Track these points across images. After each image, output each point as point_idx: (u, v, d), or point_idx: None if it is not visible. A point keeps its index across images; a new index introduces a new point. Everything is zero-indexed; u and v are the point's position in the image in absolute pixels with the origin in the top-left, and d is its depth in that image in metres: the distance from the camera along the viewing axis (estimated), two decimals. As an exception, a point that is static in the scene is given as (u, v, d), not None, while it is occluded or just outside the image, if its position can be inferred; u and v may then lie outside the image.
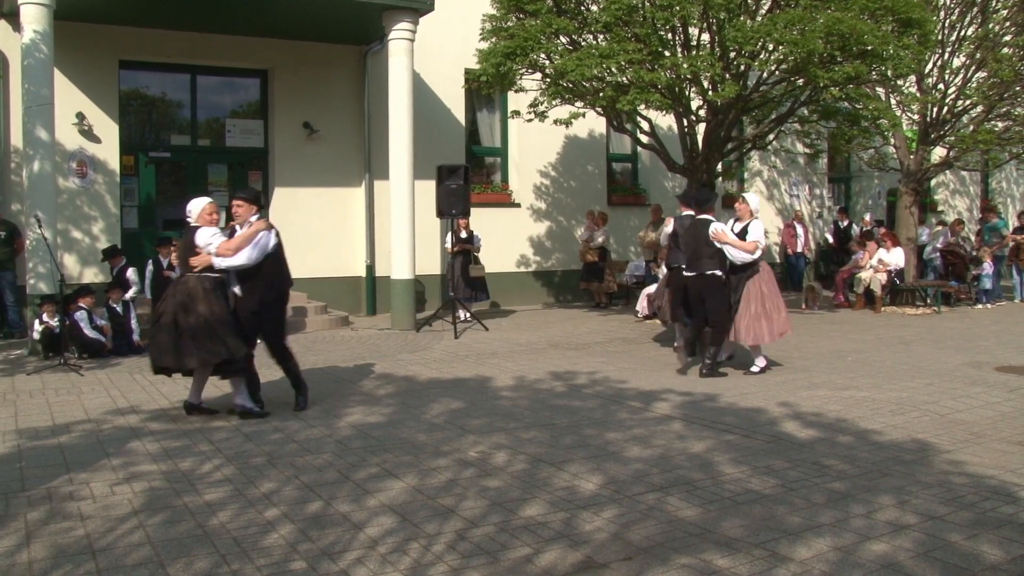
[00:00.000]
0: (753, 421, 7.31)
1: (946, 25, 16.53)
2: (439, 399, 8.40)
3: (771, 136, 14.97)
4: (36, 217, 10.98)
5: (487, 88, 14.31)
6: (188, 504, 5.28)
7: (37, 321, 11.17)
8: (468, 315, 14.19)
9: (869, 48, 11.94)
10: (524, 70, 13.39)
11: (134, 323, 11.83)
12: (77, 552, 4.54)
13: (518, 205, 17.39)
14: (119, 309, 11.73)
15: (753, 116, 15.09)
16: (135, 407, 8.18)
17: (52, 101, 11.62)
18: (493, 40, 13.36)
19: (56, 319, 10.99)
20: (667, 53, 12.59)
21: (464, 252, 14.72)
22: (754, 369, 9.79)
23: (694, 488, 5.49)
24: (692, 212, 10.32)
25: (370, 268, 15.91)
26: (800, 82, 13.13)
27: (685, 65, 12.20)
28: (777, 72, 13.11)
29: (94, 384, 9.44)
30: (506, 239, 16.97)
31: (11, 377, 9.84)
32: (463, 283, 14.66)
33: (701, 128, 14.23)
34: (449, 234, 14.45)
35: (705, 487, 5.51)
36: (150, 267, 12.22)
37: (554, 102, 13.56)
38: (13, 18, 12.64)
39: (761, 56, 12.53)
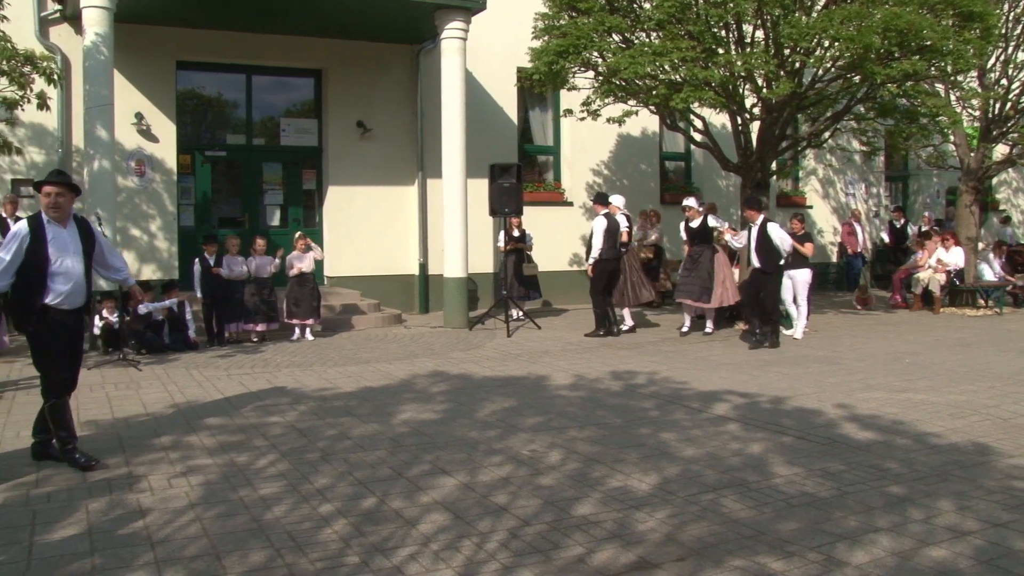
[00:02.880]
0: (809, 423, 7.22)
1: (1010, 18, 16.16)
2: (492, 397, 8.42)
3: (826, 134, 14.77)
4: (96, 215, 11.19)
5: (539, 86, 14.31)
6: (244, 498, 5.36)
7: (97, 317, 11.41)
8: (520, 313, 14.19)
9: (928, 43, 11.72)
10: (576, 68, 13.36)
11: (189, 319, 12.03)
12: (137, 543, 4.63)
13: (570, 204, 17.37)
14: (174, 307, 11.93)
15: (808, 114, 14.89)
16: (192, 402, 8.31)
17: (112, 102, 11.86)
18: (545, 38, 13.35)
19: (116, 315, 11.22)
20: (721, 50, 12.49)
21: (517, 251, 14.72)
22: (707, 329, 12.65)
23: (748, 489, 5.44)
24: (764, 217, 11.83)
25: (423, 266, 15.99)
26: (856, 79, 12.93)
27: (739, 62, 12.10)
28: (833, 69, 12.92)
29: (152, 379, 9.62)
30: (558, 237, 16.95)
31: (73, 372, 10.05)
32: (516, 282, 14.65)
33: (755, 126, 14.08)
34: (502, 233, 14.46)
35: (760, 488, 5.46)
36: (197, 265, 12.39)
37: (606, 100, 13.52)
38: (75, 21, 12.92)
39: (816, 53, 12.37)
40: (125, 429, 7.26)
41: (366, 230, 15.65)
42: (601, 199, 13.32)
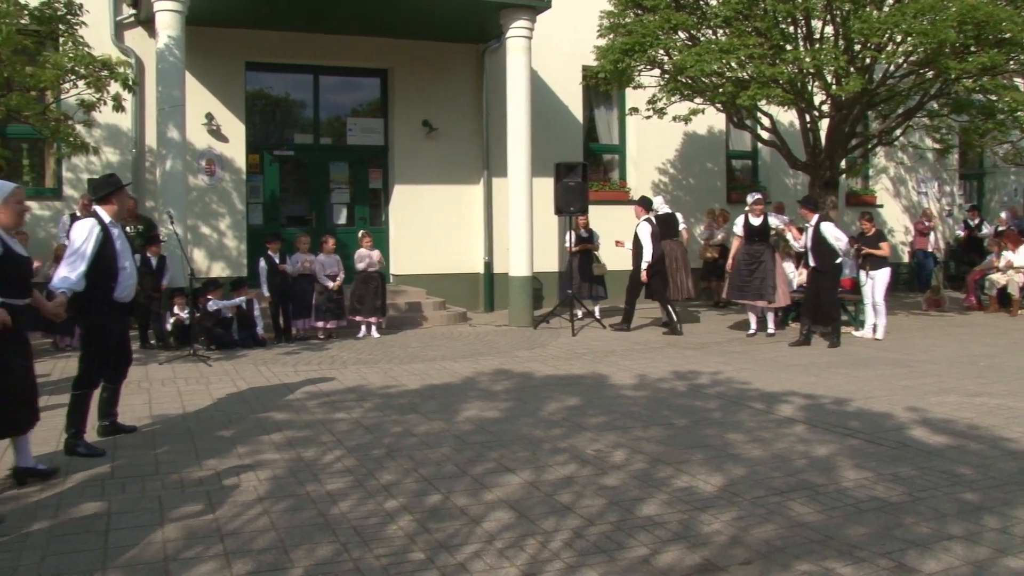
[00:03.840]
0: (879, 426, 7.09)
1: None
2: (556, 396, 8.42)
3: (898, 131, 14.48)
4: (168, 214, 11.45)
5: (605, 85, 14.30)
6: (311, 493, 5.43)
7: (168, 313, 11.66)
8: (585, 313, 14.16)
9: (1007, 36, 11.42)
10: (642, 66, 13.30)
11: (257, 316, 12.22)
12: (207, 535, 4.73)
13: (635, 202, 17.24)
14: (243, 304, 12.14)
15: (879, 110, 14.63)
16: (260, 398, 8.45)
17: (183, 103, 12.12)
18: (611, 36, 13.32)
19: (186, 311, 11.46)
20: (789, 47, 12.33)
21: (584, 251, 14.65)
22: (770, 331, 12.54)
23: (816, 493, 5.36)
24: (818, 216, 11.67)
25: (488, 265, 16.05)
26: (930, 74, 12.67)
27: (808, 59, 11.92)
28: (905, 64, 12.67)
29: (221, 375, 9.79)
30: (624, 236, 16.85)
31: (145, 366, 10.29)
32: (582, 281, 14.59)
33: (824, 124, 13.87)
34: (570, 232, 14.38)
35: (827, 492, 5.37)
36: (263, 263, 12.56)
37: (673, 98, 13.44)
38: (148, 25, 13.23)
39: (888, 48, 12.13)
40: (195, 423, 7.41)
41: (431, 229, 15.76)
42: (646, 203, 13.39)
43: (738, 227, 12.77)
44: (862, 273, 12.72)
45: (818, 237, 11.66)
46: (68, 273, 6.13)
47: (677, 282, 13.59)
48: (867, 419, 7.33)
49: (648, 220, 13.06)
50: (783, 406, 7.87)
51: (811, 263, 11.85)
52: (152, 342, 11.73)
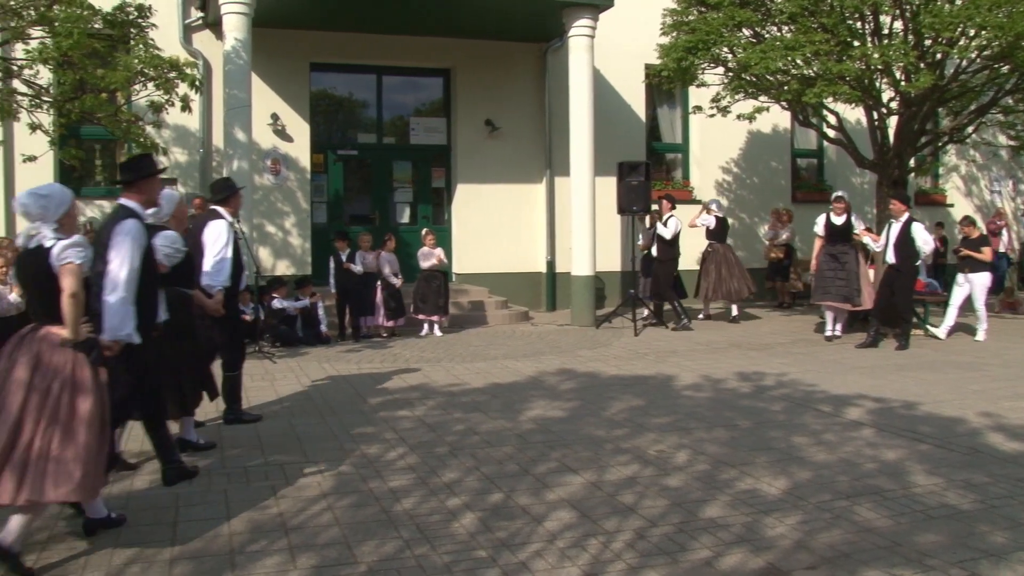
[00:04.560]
0: (950, 431, 6.93)
1: None
2: (619, 396, 8.38)
3: (970, 128, 14.12)
4: (236, 213, 11.62)
5: (668, 83, 14.19)
6: (374, 489, 5.48)
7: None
8: (649, 312, 14.07)
9: (1087, 29, 11.05)
10: (706, 64, 13.17)
11: (321, 314, 12.37)
12: (272, 528, 4.80)
13: (699, 202, 17.08)
14: (308, 304, 12.29)
15: (950, 107, 14.28)
16: (323, 395, 8.55)
17: (249, 103, 12.30)
18: (674, 34, 13.21)
19: (251, 308, 11.62)
20: (856, 43, 12.11)
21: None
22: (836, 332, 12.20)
23: (884, 498, 5.25)
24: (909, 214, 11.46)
25: (550, 264, 16.04)
26: (1005, 69, 12.33)
27: (876, 55, 11.68)
28: (979, 59, 12.34)
29: (285, 371, 9.93)
30: (687, 236, 16.71)
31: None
32: (647, 281, 14.45)
33: (892, 121, 13.57)
34: (641, 234, 14.26)
35: (896, 497, 5.26)
36: (332, 262, 12.75)
37: (737, 96, 13.28)
38: (216, 27, 13.46)
39: (961, 42, 11.83)
40: (261, 419, 7.53)
41: (494, 228, 15.80)
42: (671, 200, 13.87)
43: (819, 227, 12.30)
44: (959, 275, 12.44)
45: (905, 235, 11.28)
46: (218, 271, 6.71)
47: (732, 284, 14.02)
48: (937, 424, 7.17)
49: (674, 217, 13.50)
50: (850, 409, 7.74)
51: (891, 260, 11.39)
52: None
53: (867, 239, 12.03)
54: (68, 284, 4.30)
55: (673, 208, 13.76)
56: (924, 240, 11.31)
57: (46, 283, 4.36)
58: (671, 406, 7.93)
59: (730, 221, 17.42)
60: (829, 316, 12.21)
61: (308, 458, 6.24)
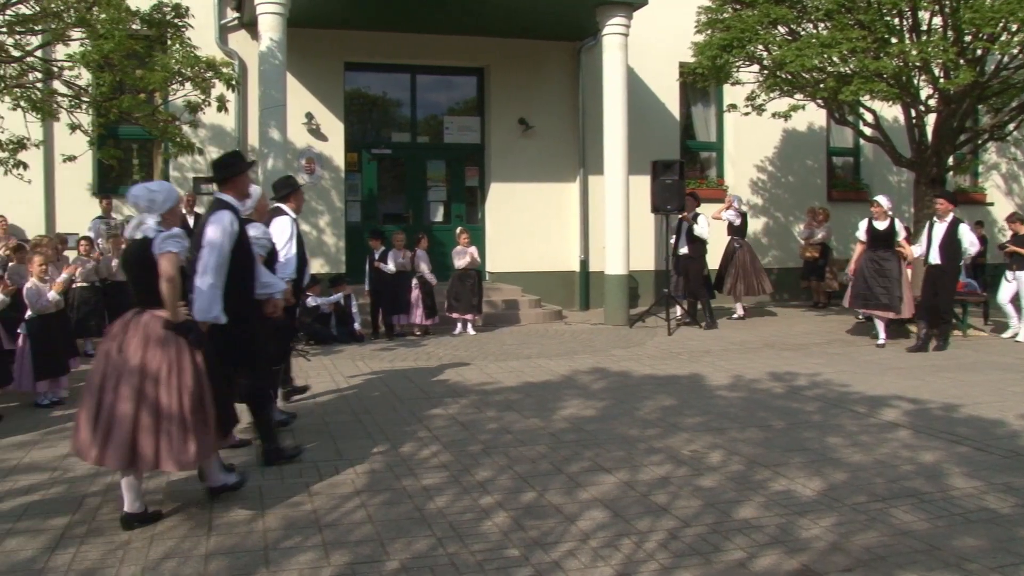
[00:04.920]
0: (989, 433, 6.83)
1: None
2: (652, 395, 8.35)
3: (1011, 125, 13.89)
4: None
5: (702, 82, 14.09)
6: (407, 487, 5.50)
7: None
8: (683, 312, 14.00)
9: None
10: (741, 62, 13.07)
11: (355, 312, 12.43)
12: (305, 525, 4.84)
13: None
14: (341, 300, 12.35)
15: (991, 104, 14.07)
16: (357, 392, 8.59)
17: (284, 103, 12.39)
18: (709, 32, 13.13)
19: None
20: (894, 39, 11.95)
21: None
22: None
23: (921, 500, 5.19)
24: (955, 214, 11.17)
25: (583, 263, 16.01)
26: (1048, 65, 12.12)
27: (914, 52, 11.53)
28: (1020, 55, 12.14)
29: (319, 369, 9.99)
30: (720, 234, 16.62)
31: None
32: (679, 278, 14.35)
33: (931, 119, 13.39)
34: (676, 234, 14.20)
35: (934, 500, 5.20)
36: (368, 261, 12.85)
37: (772, 94, 13.17)
38: (251, 27, 13.57)
39: (1002, 38, 11.64)
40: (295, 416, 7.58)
41: (527, 226, 15.79)
42: (696, 197, 13.89)
43: (861, 232, 11.97)
44: (1008, 272, 12.27)
45: (951, 235, 11.04)
46: (285, 266, 6.90)
47: (754, 280, 14.33)
48: (976, 425, 7.07)
49: (702, 215, 13.64)
50: (886, 410, 7.65)
51: (936, 260, 11.12)
52: None
53: (907, 249, 11.61)
54: (165, 270, 4.76)
55: (698, 205, 13.74)
56: (971, 241, 11.11)
57: (148, 271, 4.81)
58: (704, 406, 7.89)
59: (764, 220, 17.36)
60: (880, 325, 11.70)
61: (342, 455, 6.27)
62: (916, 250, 11.59)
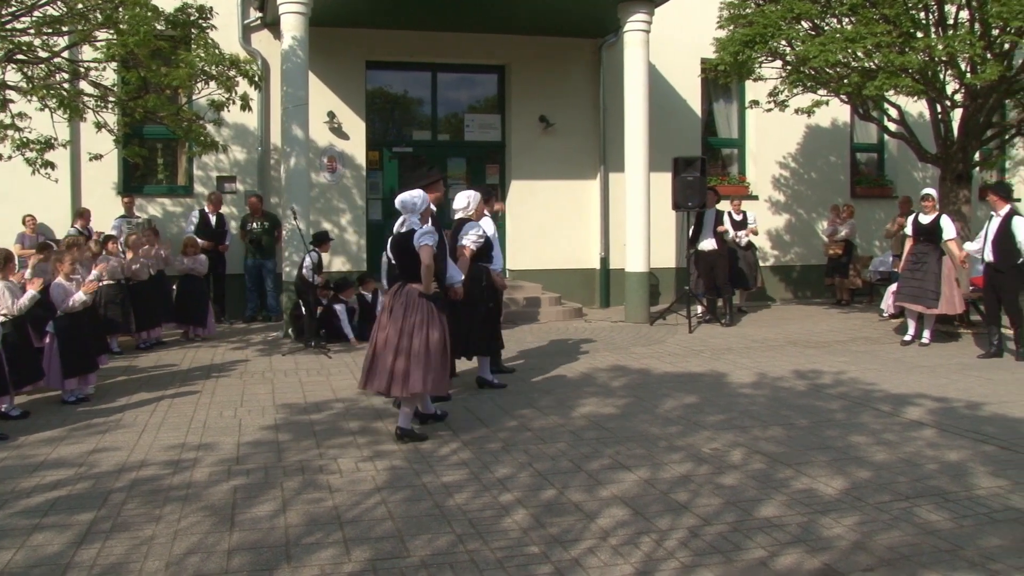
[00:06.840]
0: (1016, 432, 6.76)
1: None
2: (673, 393, 8.33)
3: (1040, 121, 13.74)
4: (292, 209, 11.77)
5: (724, 78, 14.01)
6: (427, 484, 5.52)
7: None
8: (704, 309, 13.95)
9: None
10: (763, 58, 12.99)
11: (379, 310, 12.42)
12: (327, 521, 4.86)
13: (755, 197, 16.92)
14: (368, 297, 12.37)
15: (1018, 99, 13.91)
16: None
17: (307, 102, 12.43)
18: (731, 28, 13.05)
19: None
20: (920, 34, 11.84)
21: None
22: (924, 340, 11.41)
23: (946, 500, 5.15)
24: (1010, 207, 10.65)
25: (604, 260, 15.98)
26: (1078, 59, 11.96)
27: (940, 46, 11.41)
28: (1049, 49, 12.00)
29: (341, 367, 10.02)
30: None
31: (269, 357, 10.62)
32: (700, 276, 14.27)
33: (957, 114, 13.25)
34: (695, 227, 14.12)
35: (958, 499, 5.16)
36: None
37: (795, 90, 13.08)
38: (274, 27, 13.62)
39: (1030, 32, 11.51)
40: (316, 413, 7.61)
41: (548, 224, 15.78)
42: (716, 193, 13.93)
43: (908, 227, 11.73)
44: None
45: (1005, 231, 10.42)
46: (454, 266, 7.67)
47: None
48: (1003, 424, 7.01)
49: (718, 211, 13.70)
50: (911, 409, 7.60)
51: (989, 259, 10.56)
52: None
53: (953, 249, 11.18)
54: (424, 258, 6.54)
55: (719, 201, 13.71)
56: None
57: (410, 255, 6.64)
58: (726, 404, 7.86)
59: (787, 217, 17.27)
60: (911, 320, 11.56)
61: (362, 452, 6.30)
62: (971, 246, 11.09)
